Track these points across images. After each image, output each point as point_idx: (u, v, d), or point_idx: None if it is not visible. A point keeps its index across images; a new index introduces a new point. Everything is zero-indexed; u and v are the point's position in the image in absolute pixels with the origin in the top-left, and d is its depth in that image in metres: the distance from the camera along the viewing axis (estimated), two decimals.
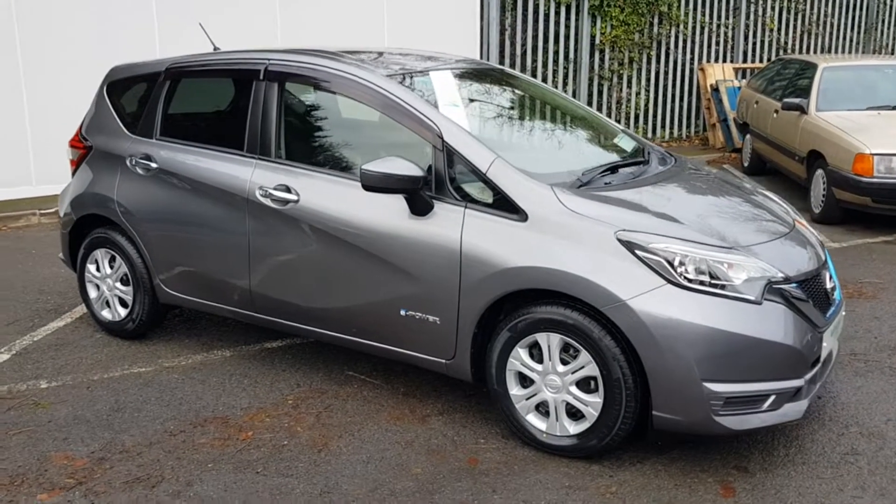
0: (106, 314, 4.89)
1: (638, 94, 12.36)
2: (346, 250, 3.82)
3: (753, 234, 3.53)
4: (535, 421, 3.50)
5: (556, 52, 11.74)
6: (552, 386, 3.43)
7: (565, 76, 11.86)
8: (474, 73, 4.50)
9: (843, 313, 3.86)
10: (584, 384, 3.36)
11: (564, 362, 3.39)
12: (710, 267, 3.21)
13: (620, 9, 11.81)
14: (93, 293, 4.93)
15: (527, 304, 3.44)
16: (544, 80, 11.72)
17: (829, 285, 3.58)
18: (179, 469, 3.43)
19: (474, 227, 3.50)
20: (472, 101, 4.14)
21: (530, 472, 3.37)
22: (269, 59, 4.21)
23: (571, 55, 11.82)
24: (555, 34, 11.69)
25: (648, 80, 12.36)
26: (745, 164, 10.34)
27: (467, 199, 3.56)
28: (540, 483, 3.29)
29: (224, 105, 4.41)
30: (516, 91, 4.56)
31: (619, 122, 12.34)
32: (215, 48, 4.98)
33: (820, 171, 7.77)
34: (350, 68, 3.96)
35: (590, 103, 12.04)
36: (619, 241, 3.25)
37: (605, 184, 3.67)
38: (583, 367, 3.33)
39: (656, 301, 3.16)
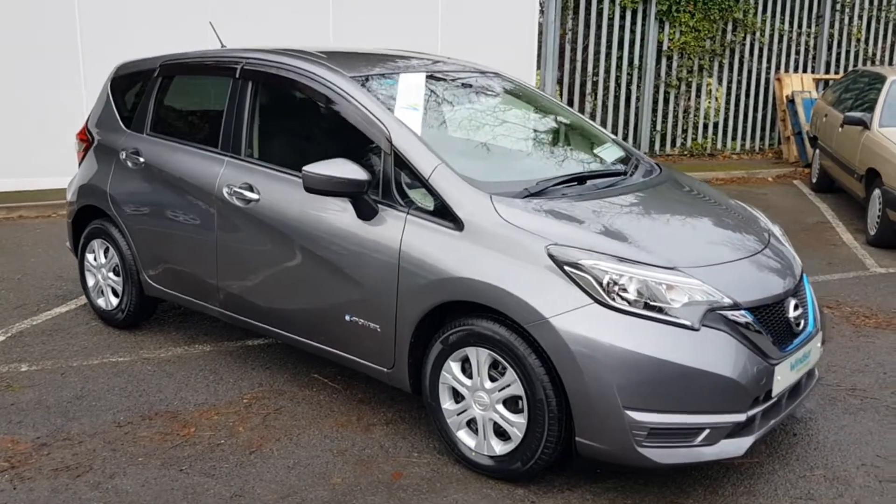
0: (101, 303, 5.03)
1: (708, 103, 11.89)
2: (299, 252, 3.79)
3: (709, 254, 3.29)
4: (465, 438, 3.37)
5: (620, 58, 11.42)
6: (480, 403, 3.29)
7: (629, 83, 11.53)
8: (465, 79, 4.38)
9: (820, 344, 3.56)
10: (512, 403, 3.21)
11: (493, 379, 3.24)
12: (646, 288, 3.01)
13: (690, 14, 11.38)
14: (90, 281, 5.07)
15: (460, 316, 3.31)
16: (605, 87, 11.43)
17: (793, 313, 3.29)
18: (110, 461, 3.46)
19: (413, 235, 3.40)
20: (444, 105, 4.03)
21: (450, 491, 3.24)
22: (245, 58, 4.22)
23: (636, 61, 11.48)
24: (619, 39, 11.37)
25: (719, 89, 11.87)
26: (814, 181, 9.79)
27: (411, 206, 3.46)
28: None
29: (206, 103, 4.46)
30: (504, 98, 4.42)
31: (685, 132, 11.90)
32: (222, 46, 5.04)
33: (877, 191, 7.26)
34: (314, 68, 3.92)
35: (654, 112, 11.67)
36: (550, 255, 3.09)
37: (563, 195, 3.50)
38: (509, 386, 3.18)
39: (579, 321, 2.98)
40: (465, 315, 3.28)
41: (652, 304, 2.99)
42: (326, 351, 3.84)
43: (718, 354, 3.00)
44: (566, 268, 3.05)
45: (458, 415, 3.37)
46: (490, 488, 3.26)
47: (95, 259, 5.00)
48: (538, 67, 11.02)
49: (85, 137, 5.10)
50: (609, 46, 11.35)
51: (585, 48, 11.34)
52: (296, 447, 3.59)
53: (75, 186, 5.07)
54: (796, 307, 3.32)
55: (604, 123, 11.76)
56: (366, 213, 3.52)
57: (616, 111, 11.59)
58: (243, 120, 4.13)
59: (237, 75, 4.20)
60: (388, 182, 3.52)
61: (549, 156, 4.05)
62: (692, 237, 3.42)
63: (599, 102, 11.53)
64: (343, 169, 3.43)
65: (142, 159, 4.59)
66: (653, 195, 3.75)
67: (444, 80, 4.26)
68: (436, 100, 3.98)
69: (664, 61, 11.60)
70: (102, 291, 5.01)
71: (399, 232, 3.43)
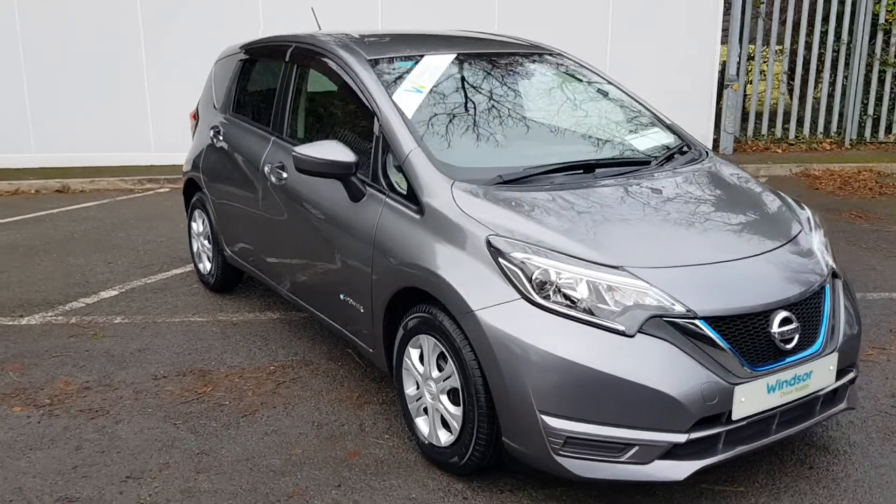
0: (200, 267, 5.54)
1: None
2: (310, 230, 3.93)
3: (679, 256, 2.95)
4: (421, 425, 3.33)
5: (825, 32, 10.27)
6: (430, 392, 3.23)
7: (834, 60, 10.34)
8: (511, 60, 4.24)
9: (835, 367, 3.05)
10: (454, 395, 3.12)
11: (441, 368, 3.17)
12: (581, 287, 2.78)
13: None
14: (194, 247, 5.60)
15: (420, 302, 3.27)
16: (806, 63, 10.33)
17: (779, 328, 2.85)
18: (126, 408, 3.85)
19: (386, 218, 3.40)
20: (465, 87, 3.93)
21: (393, 476, 3.23)
22: (296, 42, 4.41)
23: (844, 36, 10.26)
24: (824, 11, 10.22)
25: None
26: None
27: (392, 189, 3.46)
28: (388, 489, 3.14)
29: (269, 85, 4.71)
30: (545, 79, 4.22)
31: None
32: (319, 29, 5.29)
33: None
34: (338, 50, 4.00)
35: (866, 93, 10.37)
36: (488, 246, 2.95)
37: (545, 184, 3.31)
38: (450, 377, 3.09)
39: (503, 316, 2.83)
40: (423, 302, 3.23)
41: (582, 304, 2.76)
42: (333, 327, 3.95)
43: (654, 366, 2.70)
44: (500, 260, 2.90)
45: (417, 401, 3.34)
46: (432, 479, 3.20)
47: (196, 227, 5.51)
48: (723, 42, 10.22)
49: (194, 117, 5.60)
50: (812, 17, 10.25)
51: (783, 21, 10.33)
52: (285, 416, 3.75)
53: (186, 161, 5.60)
54: (786, 322, 2.88)
55: (801, 105, 10.67)
56: (354, 194, 3.57)
57: (817, 91, 10.46)
58: (286, 101, 4.33)
59: (287, 58, 4.40)
60: (376, 165, 3.54)
61: (562, 142, 3.81)
62: (669, 235, 3.08)
63: (798, 82, 10.47)
64: (330, 151, 3.50)
65: (221, 138, 4.97)
66: (661, 186, 3.42)
67: (484, 60, 4.15)
68: (458, 81, 3.90)
69: (879, 36, 10.26)
70: (200, 257, 5.51)
71: (377, 215, 3.45)
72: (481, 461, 3.05)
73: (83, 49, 9.70)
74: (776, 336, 2.85)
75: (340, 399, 3.90)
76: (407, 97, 3.65)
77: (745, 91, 10.88)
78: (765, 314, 2.86)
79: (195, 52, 9.27)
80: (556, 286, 2.79)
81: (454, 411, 3.10)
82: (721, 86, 10.30)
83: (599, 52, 10.16)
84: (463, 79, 3.93)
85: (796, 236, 3.26)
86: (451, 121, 3.64)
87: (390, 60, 3.94)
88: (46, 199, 8.84)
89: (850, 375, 3.17)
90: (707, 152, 3.92)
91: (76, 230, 7.26)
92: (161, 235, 6.92)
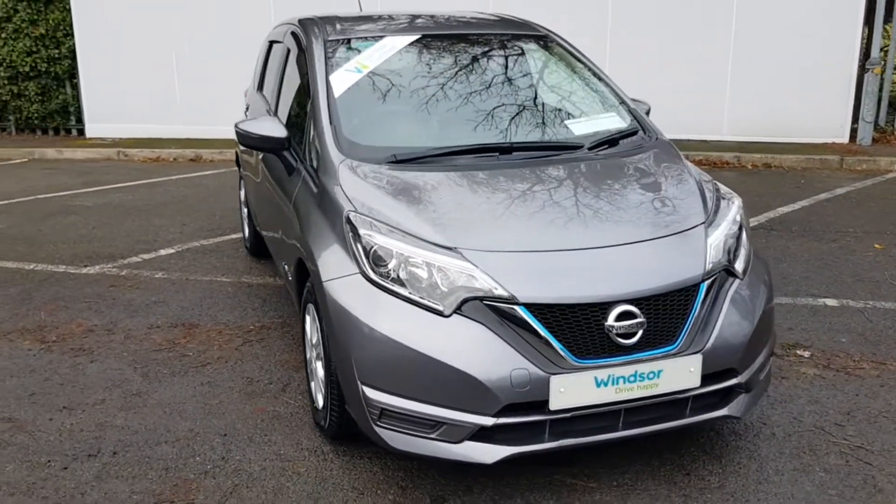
0: (245, 233, 6.02)
1: None
2: (274, 200, 4.20)
3: (524, 241, 2.89)
4: (313, 388, 3.52)
5: None
6: (312, 356, 3.41)
7: None
8: (476, 40, 4.23)
9: (697, 368, 2.87)
10: (326, 360, 3.27)
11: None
12: (411, 265, 2.83)
13: None
14: (243, 213, 6.09)
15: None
16: None
17: (618, 322, 2.73)
18: (107, 351, 4.34)
19: (301, 191, 3.59)
20: (415, 67, 3.97)
21: (276, 433, 3.43)
22: (292, 24, 4.68)
23: None
24: None
25: None
26: None
27: (310, 164, 3.64)
28: (264, 443, 3.34)
29: (274, 66, 5.02)
30: (507, 60, 4.18)
31: None
32: (360, 10, 5.55)
33: None
34: (304, 30, 4.22)
35: None
36: (347, 222, 3.07)
37: (448, 164, 3.36)
38: (320, 343, 3.26)
39: (343, 288, 2.94)
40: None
41: (411, 283, 2.81)
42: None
43: (465, 347, 2.70)
44: (350, 235, 3.02)
45: (311, 366, 3.53)
46: (308, 439, 3.37)
47: (241, 195, 5.98)
48: (865, 22, 9.29)
49: None
50: None
51: None
52: (230, 371, 4.06)
53: None
54: (627, 316, 2.76)
55: None
56: (287, 167, 3.80)
57: None
58: (276, 82, 4.63)
59: (283, 39, 4.69)
60: (305, 141, 3.73)
61: (488, 124, 3.75)
62: (526, 221, 3.00)
63: None
64: (263, 126, 3.75)
65: (247, 114, 5.38)
66: (564, 172, 3.35)
67: (448, 41, 4.18)
68: (407, 62, 3.99)
69: None
70: (243, 224, 5.99)
71: (297, 188, 3.66)
72: (339, 427, 3.18)
73: (225, 35, 10.63)
74: (612, 330, 2.75)
75: (287, 361, 4.16)
76: (344, 77, 3.80)
77: (891, 76, 9.82)
78: (600, 306, 2.76)
79: None
80: (391, 264, 2.86)
81: (321, 376, 3.26)
82: (862, 70, 9.38)
83: (723, 31, 9.62)
84: (413, 60, 4.01)
85: (685, 231, 3.07)
86: (380, 101, 3.76)
87: (348, 41, 4.09)
88: (179, 166, 9.83)
89: (731, 382, 2.96)
90: (657, 139, 3.75)
91: (178, 195, 8.06)
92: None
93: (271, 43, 5.34)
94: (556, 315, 2.73)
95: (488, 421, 2.71)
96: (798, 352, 4.18)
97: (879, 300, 4.90)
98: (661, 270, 2.89)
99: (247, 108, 5.47)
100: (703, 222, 3.13)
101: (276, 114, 4.56)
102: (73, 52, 11.21)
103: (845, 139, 9.62)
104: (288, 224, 3.72)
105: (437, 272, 2.81)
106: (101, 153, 10.55)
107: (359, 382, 2.85)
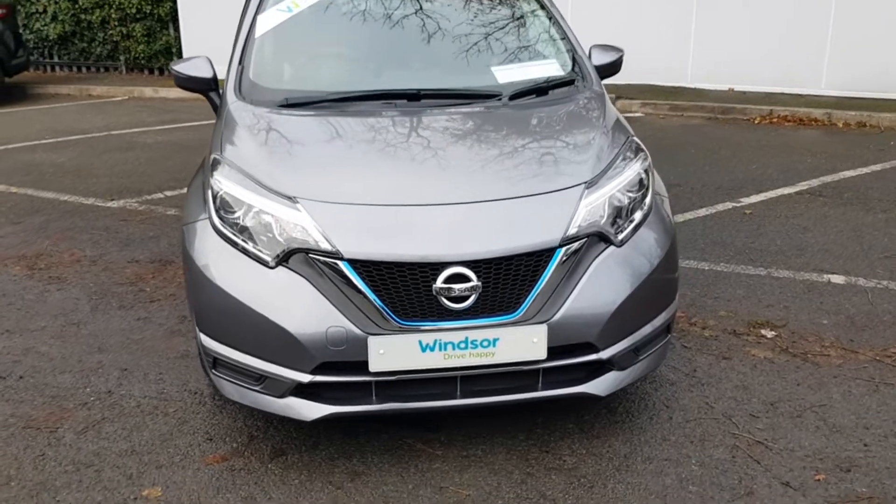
0: None
1: None
2: None
3: (368, 194, 2.73)
4: None
5: None
6: None
7: None
8: None
9: (544, 339, 2.63)
10: None
11: None
12: (255, 215, 2.77)
13: None
14: None
15: None
16: None
17: (446, 285, 2.54)
18: (79, 280, 4.54)
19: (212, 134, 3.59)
20: (342, 9, 3.80)
21: (171, 371, 3.48)
22: None
23: None
24: None
25: None
26: None
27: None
28: (153, 381, 3.39)
29: None
30: (469, 6, 3.93)
31: None
32: None
33: None
34: None
35: None
36: (212, 165, 3.03)
37: (337, 110, 3.25)
38: None
39: (191, 233, 2.91)
40: None
41: (252, 229, 2.74)
42: None
43: (284, 301, 2.62)
44: (209, 179, 2.98)
45: None
46: (197, 381, 3.40)
47: None
48: None
49: None
50: None
51: None
52: (171, 309, 4.14)
53: None
54: (459, 279, 2.57)
55: None
56: (214, 109, 3.80)
57: None
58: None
59: None
60: (231, 81, 3.71)
61: (400, 69, 3.55)
62: (375, 173, 2.84)
63: None
64: (192, 67, 3.75)
65: None
66: (457, 122, 3.15)
67: None
68: (343, 3, 3.84)
69: None
70: None
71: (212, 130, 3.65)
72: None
73: None
74: (440, 292, 2.57)
75: None
76: (273, 16, 3.71)
77: None
78: (431, 266, 2.59)
79: None
80: (240, 211, 2.80)
81: None
82: None
83: None
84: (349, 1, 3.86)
85: (555, 191, 2.80)
86: (299, 43, 3.66)
87: None
88: None
89: (588, 357, 2.71)
90: (592, 91, 3.45)
91: None
92: None
93: None
94: (382, 273, 2.59)
95: (304, 378, 2.63)
96: (762, 331, 3.78)
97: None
98: (509, 233, 2.66)
99: None
100: (584, 182, 2.85)
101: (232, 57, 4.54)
102: None
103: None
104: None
105: (275, 222, 2.72)
106: (192, 94, 10.98)
107: (196, 329, 2.84)
